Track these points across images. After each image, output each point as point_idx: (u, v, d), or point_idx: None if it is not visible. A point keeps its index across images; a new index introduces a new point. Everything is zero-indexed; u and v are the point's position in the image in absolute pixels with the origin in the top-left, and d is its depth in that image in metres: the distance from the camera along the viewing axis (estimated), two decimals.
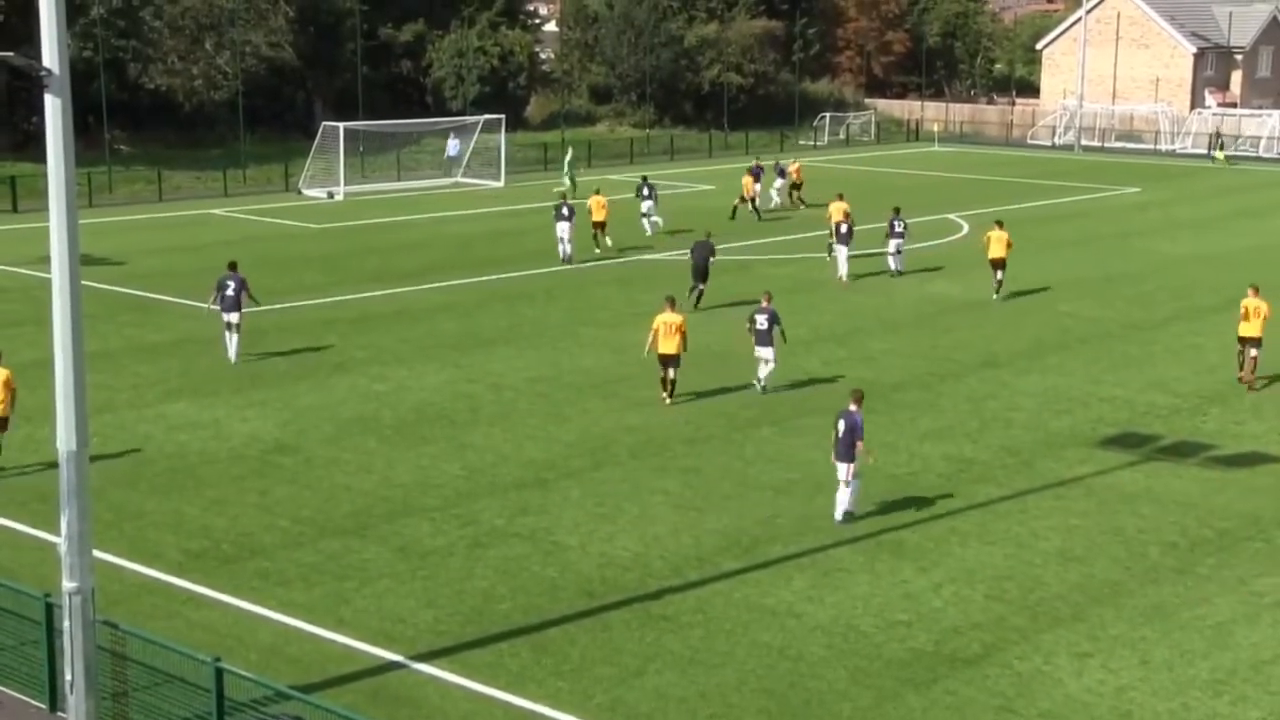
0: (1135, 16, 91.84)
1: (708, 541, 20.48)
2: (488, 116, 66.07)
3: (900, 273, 40.99)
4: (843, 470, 21.16)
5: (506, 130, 66.60)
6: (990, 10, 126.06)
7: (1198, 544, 20.64)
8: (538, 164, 69.50)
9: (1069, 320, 35.68)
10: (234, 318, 30.32)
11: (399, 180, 63.93)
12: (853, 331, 33.94)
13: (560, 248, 42.80)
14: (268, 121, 73.21)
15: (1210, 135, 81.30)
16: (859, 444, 21.00)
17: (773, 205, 54.76)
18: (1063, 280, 40.94)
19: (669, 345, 27.31)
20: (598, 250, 44.13)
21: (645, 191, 47.58)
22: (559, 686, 16.01)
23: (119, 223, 50.90)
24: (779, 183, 55.78)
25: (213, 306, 30.68)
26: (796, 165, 57.41)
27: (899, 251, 41.29)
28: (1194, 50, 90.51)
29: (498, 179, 63.74)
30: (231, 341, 30.44)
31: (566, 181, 57.98)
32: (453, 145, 66.12)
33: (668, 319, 27.40)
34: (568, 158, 61.06)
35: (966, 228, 50.73)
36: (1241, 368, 29.64)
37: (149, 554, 19.66)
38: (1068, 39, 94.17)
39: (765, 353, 28.11)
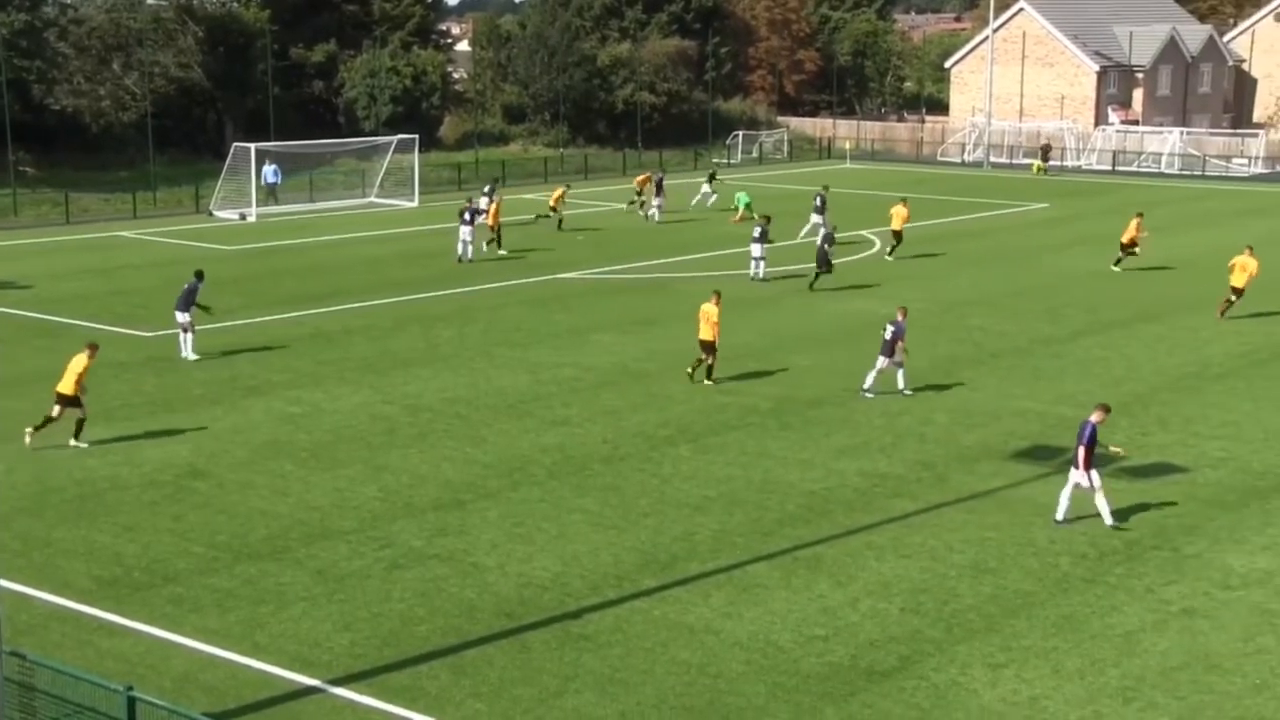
0: (1040, 36, 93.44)
1: (626, 560, 20.52)
2: (401, 136, 65.85)
3: (765, 280, 42.71)
4: (1085, 479, 21.78)
5: (420, 150, 66.40)
6: (899, 29, 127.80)
7: (1107, 554, 20.98)
8: (451, 184, 69.31)
9: (980, 335, 36.13)
10: (179, 318, 32.51)
11: (312, 201, 63.44)
12: (772, 348, 34.15)
13: (459, 247, 46.03)
14: (178, 143, 72.48)
15: (1042, 147, 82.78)
16: (1092, 450, 21.79)
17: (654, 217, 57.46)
18: (974, 296, 41.46)
19: (705, 333, 30.23)
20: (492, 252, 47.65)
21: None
22: (477, 708, 15.96)
23: (25, 246, 50.10)
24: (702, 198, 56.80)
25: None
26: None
27: (762, 257, 42.98)
28: (1097, 69, 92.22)
29: (411, 199, 63.50)
30: (183, 341, 32.46)
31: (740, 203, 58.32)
32: (269, 172, 61.73)
33: (707, 309, 30.27)
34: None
35: (879, 243, 51.25)
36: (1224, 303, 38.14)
37: (58, 582, 19.34)
38: (975, 57, 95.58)
39: (880, 361, 29.65)
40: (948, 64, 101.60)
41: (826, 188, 53.81)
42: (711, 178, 64.31)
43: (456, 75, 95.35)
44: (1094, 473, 21.87)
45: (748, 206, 57.35)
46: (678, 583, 19.64)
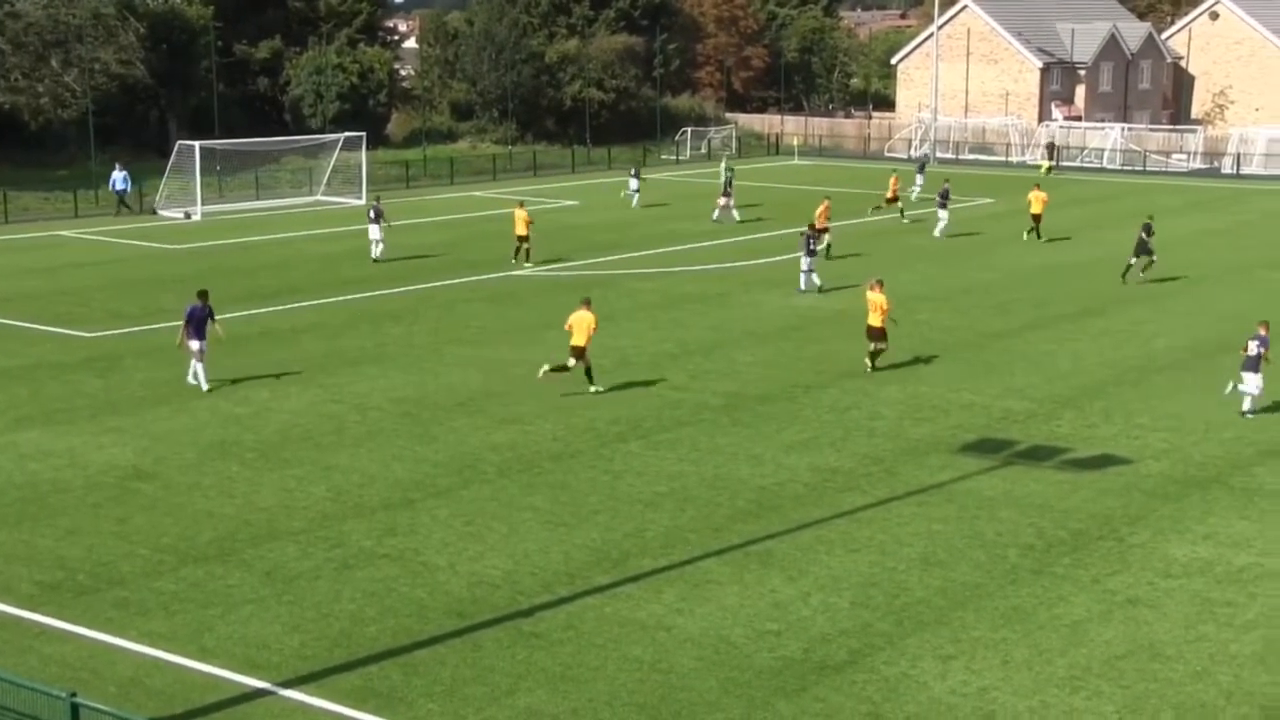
0: (984, 32, 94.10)
1: (577, 557, 20.48)
2: (348, 134, 65.51)
3: (821, 289, 40.73)
4: None
5: (368, 148, 66.06)
6: (846, 26, 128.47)
7: (1053, 545, 21.14)
8: (399, 181, 69.01)
9: (928, 330, 36.31)
10: (194, 345, 29.29)
11: (258, 199, 63.02)
12: (719, 344, 34.20)
13: (372, 248, 45.42)
14: (121, 140, 71.74)
15: (1047, 146, 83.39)
16: None
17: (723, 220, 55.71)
18: (922, 290, 41.66)
19: (874, 320, 31.04)
20: (518, 264, 45.15)
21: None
22: (429, 708, 15.89)
23: None
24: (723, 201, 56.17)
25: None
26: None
27: (810, 270, 41.01)
28: (1040, 65, 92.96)
29: (359, 197, 63.17)
30: (199, 370, 29.43)
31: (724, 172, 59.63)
32: (119, 179, 59.04)
33: (874, 298, 31.04)
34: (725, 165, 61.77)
35: (828, 239, 51.29)
36: None
37: None
38: (921, 54, 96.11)
39: (1247, 378, 27.79)
40: (894, 60, 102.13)
41: (948, 180, 57.36)
42: (922, 167, 66.29)
43: (404, 72, 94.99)
44: None
45: (728, 183, 57.32)
46: (629, 579, 19.63)
